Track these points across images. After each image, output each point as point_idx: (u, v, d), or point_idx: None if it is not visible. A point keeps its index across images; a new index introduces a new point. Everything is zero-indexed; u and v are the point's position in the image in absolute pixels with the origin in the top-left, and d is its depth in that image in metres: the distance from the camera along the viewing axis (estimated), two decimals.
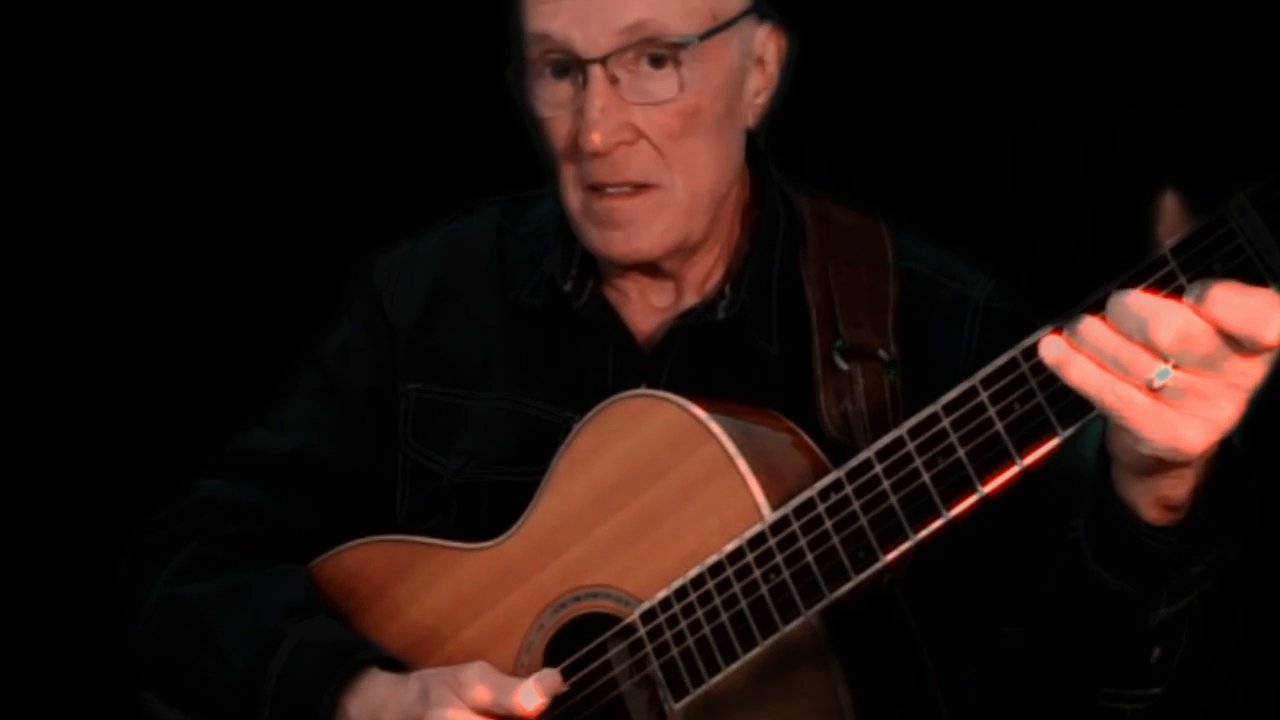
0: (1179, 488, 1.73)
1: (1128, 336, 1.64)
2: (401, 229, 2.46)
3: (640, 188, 2.14)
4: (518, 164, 2.40)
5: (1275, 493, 1.87)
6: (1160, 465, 1.70)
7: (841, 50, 2.75)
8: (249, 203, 3.20)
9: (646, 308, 2.27)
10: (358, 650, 2.16)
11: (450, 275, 2.37)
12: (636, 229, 2.15)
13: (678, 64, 2.12)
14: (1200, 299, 1.62)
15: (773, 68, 2.24)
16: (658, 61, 2.12)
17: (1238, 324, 1.61)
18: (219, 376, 3.11)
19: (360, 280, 2.41)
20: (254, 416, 2.41)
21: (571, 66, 2.12)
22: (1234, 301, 1.61)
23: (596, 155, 2.11)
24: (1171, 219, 1.67)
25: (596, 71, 2.10)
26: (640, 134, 2.12)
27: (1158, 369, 1.63)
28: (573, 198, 2.18)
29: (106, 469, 3.17)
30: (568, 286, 2.27)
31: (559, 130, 2.15)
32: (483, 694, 2.02)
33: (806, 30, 2.27)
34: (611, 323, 2.27)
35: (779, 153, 2.32)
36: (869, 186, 2.39)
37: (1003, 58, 2.87)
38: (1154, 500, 1.75)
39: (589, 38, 2.10)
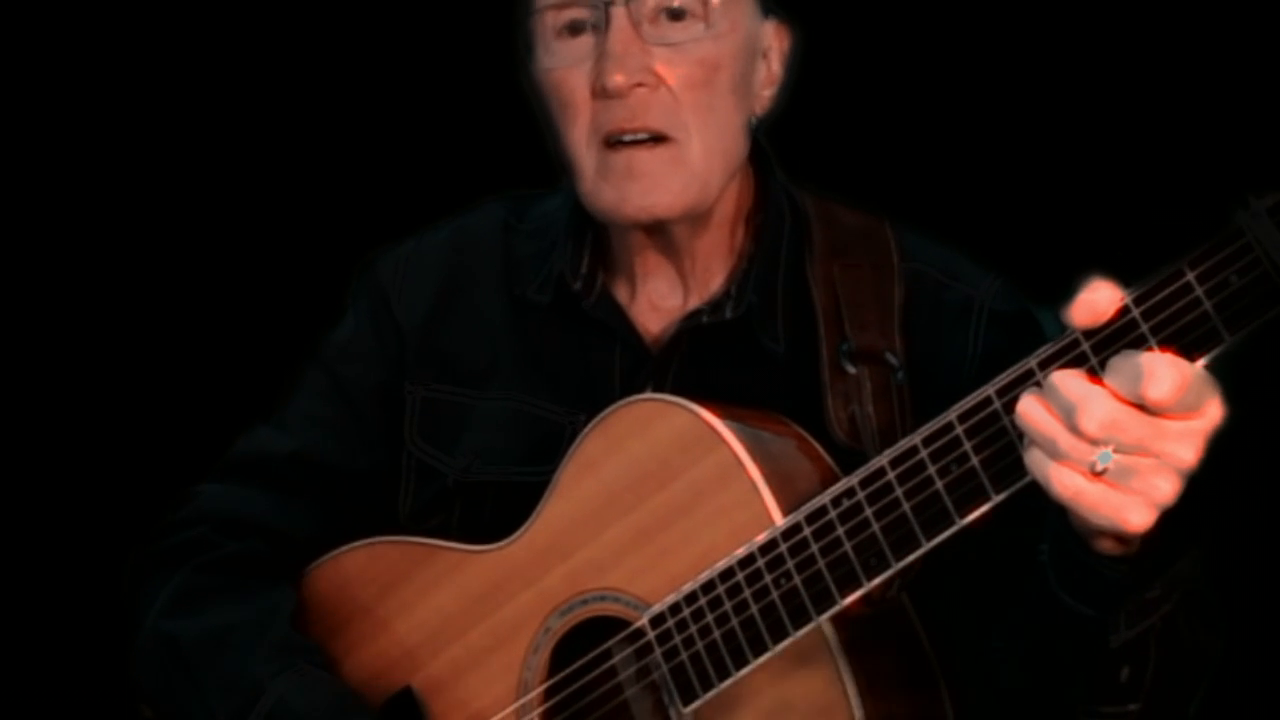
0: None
1: (1062, 421, 1.69)
2: (405, 226, 2.45)
3: (658, 139, 2.13)
4: (522, 161, 2.40)
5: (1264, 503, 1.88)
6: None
7: (842, 49, 2.75)
8: (252, 201, 3.19)
9: (653, 308, 2.27)
10: (336, 707, 2.16)
11: (457, 273, 2.36)
12: (654, 182, 2.14)
13: (700, 16, 2.13)
14: (1106, 373, 1.68)
15: (777, 65, 2.25)
16: (677, 15, 2.13)
17: (1127, 391, 1.66)
18: (223, 375, 3.10)
19: (365, 277, 2.40)
20: (259, 416, 2.41)
21: (588, 24, 2.13)
22: (1120, 369, 1.67)
23: (618, 95, 2.11)
24: (1094, 306, 1.72)
25: (619, 12, 2.11)
26: (661, 81, 2.12)
27: (1098, 453, 1.68)
28: (586, 160, 2.16)
29: (111, 468, 3.17)
30: (577, 285, 2.26)
31: (574, 82, 2.14)
32: None
33: (810, 27, 2.27)
34: (619, 322, 2.26)
35: (782, 153, 2.31)
36: (872, 186, 2.39)
37: (1004, 55, 2.87)
38: (1106, 536, 1.78)
39: None
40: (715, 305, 2.22)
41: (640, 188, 2.14)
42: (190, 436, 2.77)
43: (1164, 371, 1.65)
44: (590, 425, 2.11)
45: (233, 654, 2.21)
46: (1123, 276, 1.73)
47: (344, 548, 2.28)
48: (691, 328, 2.23)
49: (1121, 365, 1.68)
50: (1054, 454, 1.70)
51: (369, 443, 2.34)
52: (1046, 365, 1.76)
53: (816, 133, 2.53)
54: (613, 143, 2.14)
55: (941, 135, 2.91)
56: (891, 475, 1.87)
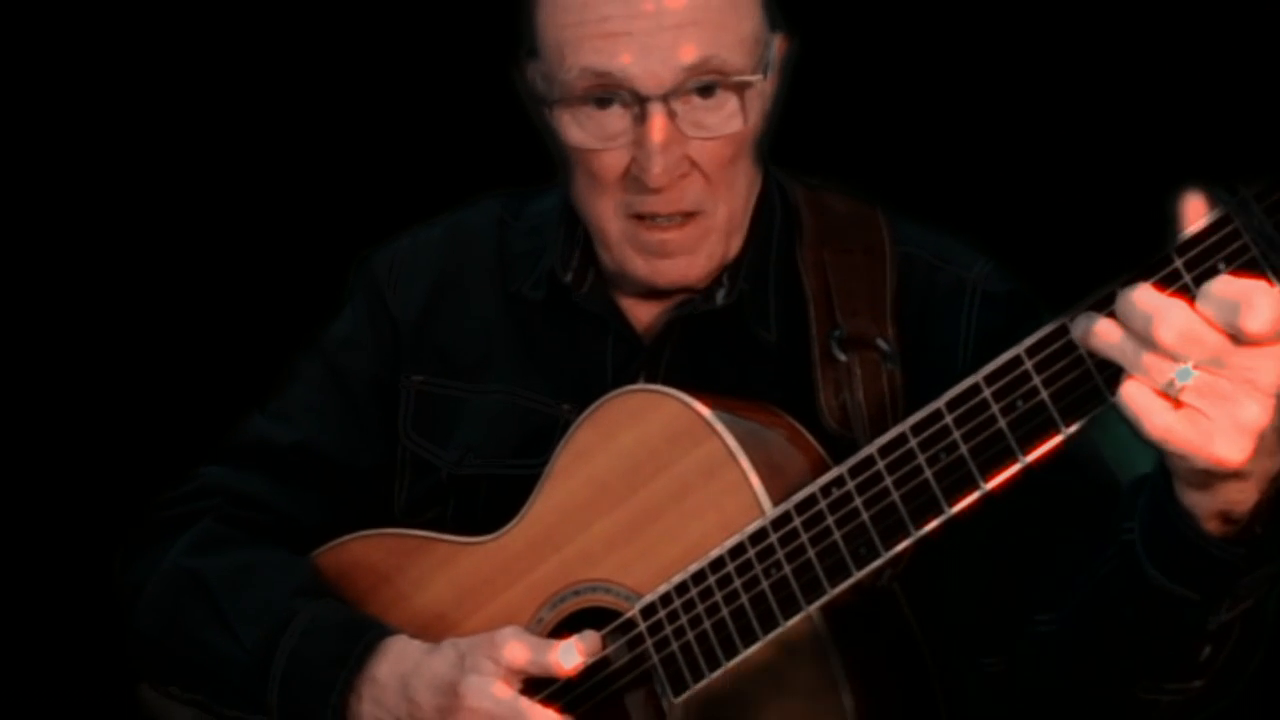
0: (1242, 504, 1.71)
1: (1138, 337, 1.63)
2: (401, 222, 2.46)
3: (688, 216, 2.14)
4: (518, 159, 2.40)
5: None
6: (1217, 478, 1.69)
7: (836, 40, 2.74)
8: (249, 195, 3.20)
9: (646, 300, 2.27)
10: (375, 624, 2.16)
11: (451, 268, 2.37)
12: (684, 258, 2.16)
13: (733, 93, 2.11)
14: (1196, 296, 1.61)
15: (776, 75, 2.24)
16: (707, 91, 2.10)
17: (1220, 316, 1.60)
18: (221, 369, 3.10)
19: (361, 272, 2.41)
20: (255, 407, 2.41)
21: (618, 99, 2.10)
22: (1213, 293, 1.60)
23: (657, 191, 2.10)
24: (1194, 215, 1.66)
25: (658, 108, 2.07)
26: (694, 165, 2.12)
27: (1177, 370, 1.62)
28: (612, 225, 2.16)
29: (107, 460, 3.17)
30: (568, 278, 2.27)
31: (606, 162, 2.12)
32: (519, 654, 2.01)
33: (805, 22, 2.26)
34: (611, 314, 2.27)
35: (776, 145, 2.31)
36: (865, 173, 2.38)
37: (998, 44, 2.87)
38: (1215, 512, 1.72)
39: (651, 74, 2.06)
40: (706, 294, 2.23)
41: (672, 263, 2.17)
42: (187, 429, 2.77)
43: (1262, 300, 1.58)
44: (582, 417, 2.12)
45: (261, 586, 2.21)
46: (1110, 265, 1.73)
47: (340, 539, 2.29)
48: (683, 316, 2.23)
49: (1215, 291, 1.60)
50: (1132, 369, 1.63)
51: (367, 435, 2.34)
52: (1034, 353, 1.76)
53: (811, 123, 2.52)
54: (644, 220, 2.14)
55: (935, 124, 2.90)
56: (880, 464, 1.86)
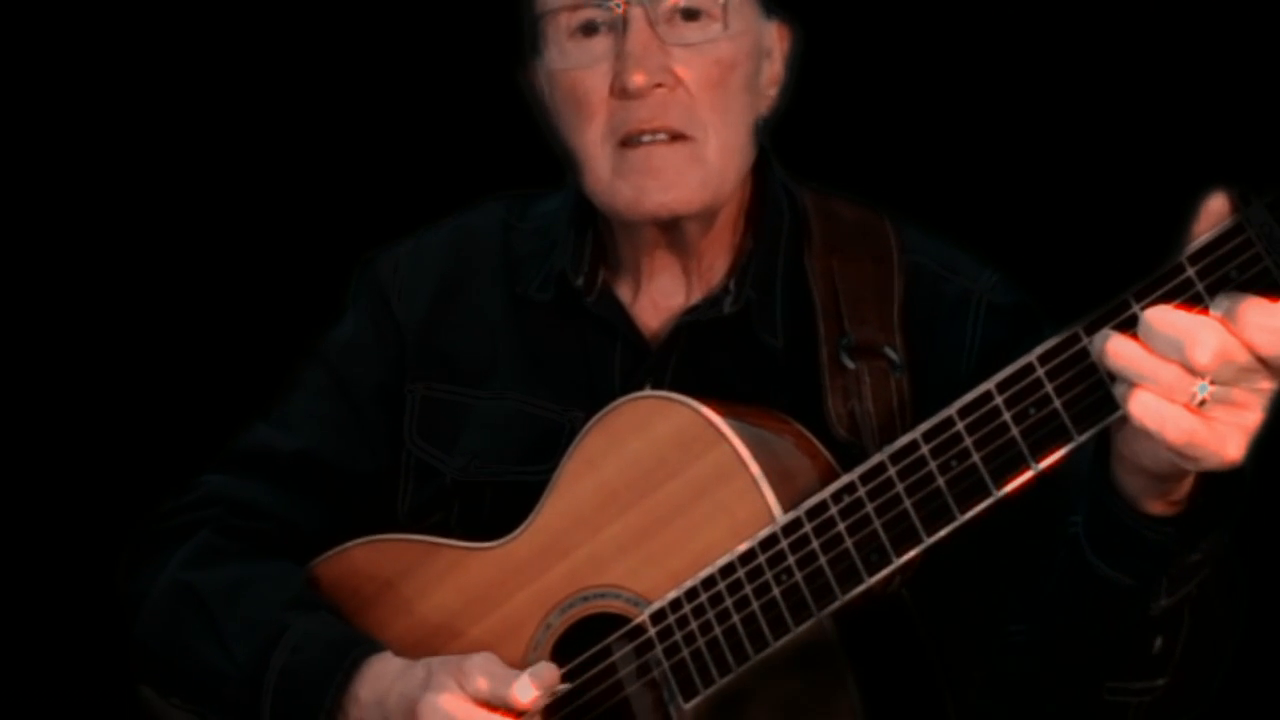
0: (1185, 484, 1.76)
1: (1163, 356, 1.65)
2: (405, 226, 2.45)
3: (676, 138, 2.14)
4: (522, 161, 2.41)
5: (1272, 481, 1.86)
6: (1186, 470, 1.72)
7: (842, 41, 2.75)
8: (252, 198, 3.19)
9: (655, 306, 2.27)
10: (362, 641, 2.16)
11: (456, 271, 2.36)
12: (673, 178, 2.15)
13: (715, 17, 2.14)
14: (1231, 317, 1.64)
15: (779, 66, 2.26)
16: (692, 16, 2.14)
17: (1269, 347, 1.63)
18: (223, 373, 3.10)
19: (365, 276, 2.40)
20: (257, 413, 2.41)
21: (602, 25, 2.14)
22: (1264, 324, 1.63)
23: (638, 95, 2.12)
24: (1214, 218, 1.68)
25: (638, 13, 2.12)
26: (679, 81, 2.13)
27: (1199, 384, 1.64)
28: (601, 160, 2.16)
29: (109, 465, 3.17)
30: (580, 282, 2.27)
31: (591, 82, 2.15)
32: (482, 684, 2.02)
33: (809, 25, 2.27)
34: (620, 319, 2.27)
35: (783, 149, 2.32)
36: (873, 182, 2.39)
37: (1005, 51, 2.88)
38: (1160, 495, 1.76)
39: None
40: (713, 301, 2.23)
41: (659, 184, 2.15)
42: (189, 434, 2.77)
43: None
44: (591, 423, 2.11)
45: (253, 600, 2.22)
46: (1123, 273, 1.73)
47: (345, 545, 2.28)
48: (690, 323, 2.23)
49: (1262, 322, 1.63)
50: (1154, 388, 1.65)
51: (371, 442, 2.34)
52: (1046, 360, 1.76)
53: (818, 129, 2.53)
54: (631, 142, 2.14)
55: (942, 131, 2.91)
56: (892, 471, 1.87)
